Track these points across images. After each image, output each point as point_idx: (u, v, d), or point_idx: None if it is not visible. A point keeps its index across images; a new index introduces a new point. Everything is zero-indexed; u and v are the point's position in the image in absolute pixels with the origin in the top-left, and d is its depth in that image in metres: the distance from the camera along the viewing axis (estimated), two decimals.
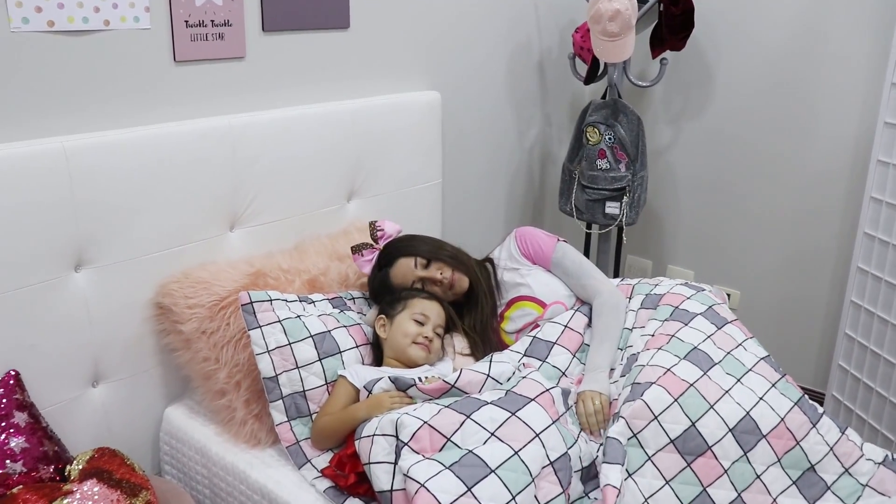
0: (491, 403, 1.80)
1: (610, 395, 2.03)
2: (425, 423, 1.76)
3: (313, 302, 2.29)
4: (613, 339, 2.17)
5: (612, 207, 3.18)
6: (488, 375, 1.96)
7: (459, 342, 2.31)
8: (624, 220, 3.16)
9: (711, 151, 3.42)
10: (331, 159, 2.64)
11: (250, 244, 2.47)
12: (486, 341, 2.31)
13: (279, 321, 2.11)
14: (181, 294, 2.21)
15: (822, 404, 3.12)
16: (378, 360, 2.21)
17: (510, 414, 1.78)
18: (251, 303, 2.11)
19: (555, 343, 2.19)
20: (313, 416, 2.09)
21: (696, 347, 1.98)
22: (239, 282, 2.26)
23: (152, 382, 2.34)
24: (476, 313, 2.35)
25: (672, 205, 3.58)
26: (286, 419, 2.08)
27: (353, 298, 2.42)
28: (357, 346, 2.20)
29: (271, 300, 2.15)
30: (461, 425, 1.76)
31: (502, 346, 2.32)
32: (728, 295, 3.46)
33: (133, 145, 2.11)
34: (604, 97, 3.26)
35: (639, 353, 2.04)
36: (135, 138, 2.12)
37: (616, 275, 3.50)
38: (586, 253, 3.53)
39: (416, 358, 2.12)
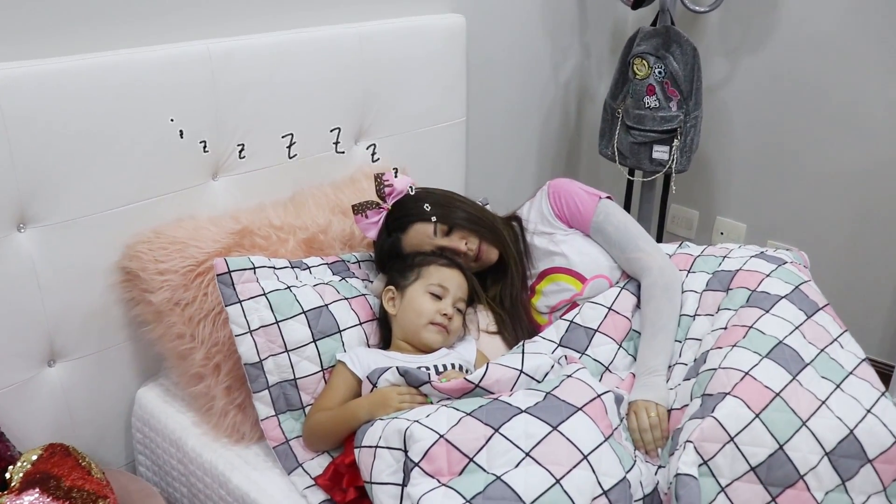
0: (526, 412, 1.37)
1: (668, 404, 1.60)
2: (442, 437, 1.35)
3: (308, 268, 1.86)
4: (669, 330, 1.71)
5: (660, 152, 2.70)
6: (521, 371, 1.53)
7: (484, 318, 1.88)
8: (673, 166, 2.68)
9: (772, 90, 2.89)
10: (334, 93, 2.17)
11: (237, 195, 2.03)
12: (515, 318, 1.87)
13: (264, 294, 1.69)
14: (150, 257, 1.79)
15: (890, 378, 2.69)
16: (386, 341, 1.79)
17: (551, 428, 1.35)
18: (229, 272, 1.68)
19: (596, 330, 1.75)
20: (306, 410, 1.69)
21: (781, 342, 1.53)
22: (221, 242, 1.83)
23: (122, 360, 1.93)
24: (505, 285, 1.91)
25: (725, 149, 3.08)
26: (273, 413, 1.67)
27: (359, 262, 1.98)
28: (361, 324, 1.77)
29: (254, 268, 1.72)
30: (487, 441, 1.34)
31: (534, 326, 1.88)
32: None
33: (85, 76, 1.66)
34: (654, 24, 2.74)
35: (708, 351, 1.60)
36: (87, 67, 1.66)
37: (660, 228, 3.03)
38: (627, 204, 3.06)
39: (431, 342, 1.70)
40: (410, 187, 1.93)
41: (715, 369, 1.50)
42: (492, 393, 1.50)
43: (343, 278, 1.86)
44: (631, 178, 2.93)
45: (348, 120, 2.24)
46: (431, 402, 1.53)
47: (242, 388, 1.74)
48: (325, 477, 1.57)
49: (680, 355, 1.68)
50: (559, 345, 1.74)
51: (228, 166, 1.99)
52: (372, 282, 1.95)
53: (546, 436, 1.33)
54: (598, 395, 1.43)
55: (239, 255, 1.83)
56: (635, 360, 1.73)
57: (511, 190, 2.92)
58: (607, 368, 1.70)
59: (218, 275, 1.67)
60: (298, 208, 2.04)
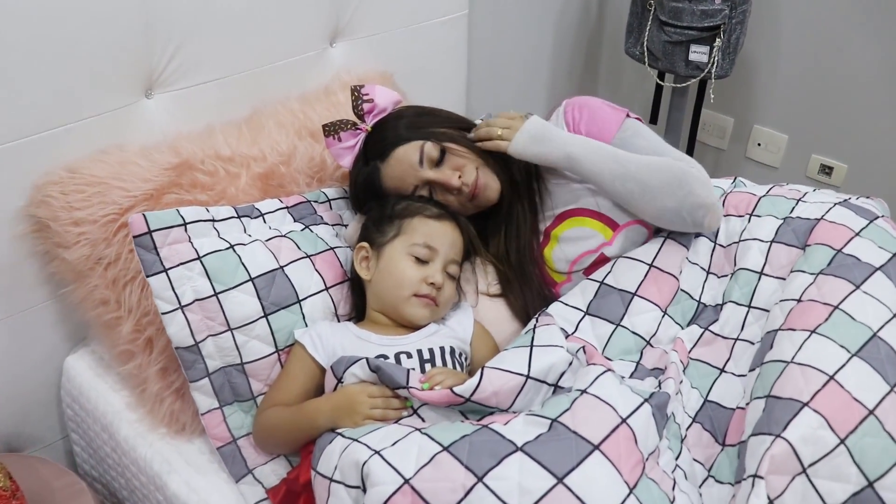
0: (522, 451, 0.96)
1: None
2: (407, 482, 0.95)
3: (262, 215, 1.42)
4: (621, 160, 1.34)
5: (698, 53, 2.19)
6: (528, 377, 1.12)
7: (484, 277, 1.46)
8: (713, 70, 2.18)
9: None
10: None
11: (178, 117, 1.56)
12: (523, 276, 1.44)
13: (198, 258, 1.26)
14: (63, 203, 1.36)
15: None
16: (360, 309, 1.38)
17: (555, 480, 0.93)
18: (149, 232, 1.24)
19: (634, 294, 1.32)
20: (258, 401, 1.30)
21: (876, 335, 1.10)
22: (152, 181, 1.39)
23: (44, 322, 1.53)
24: (510, 232, 1.47)
25: (770, 50, 2.55)
26: (216, 405, 1.28)
27: (329, 201, 1.55)
28: (327, 289, 1.35)
29: (185, 223, 1.28)
30: (466, 495, 0.93)
31: (548, 285, 1.46)
32: (831, 168, 2.53)
33: None
34: None
35: (776, 330, 1.17)
36: None
37: (692, 140, 2.55)
38: (654, 113, 2.56)
39: (415, 318, 1.28)
40: (396, 104, 1.46)
41: (786, 363, 1.09)
42: (488, 406, 1.10)
43: (307, 226, 1.42)
44: (661, 82, 2.43)
45: (321, 16, 1.75)
46: (412, 407, 1.14)
47: (180, 370, 1.34)
48: (277, 495, 1.20)
49: (742, 328, 1.26)
50: (586, 313, 1.31)
51: (165, 80, 1.53)
52: (346, 226, 1.51)
53: (547, 492, 0.92)
54: (624, 420, 1.02)
55: (177, 197, 1.40)
56: (683, 329, 1.31)
57: (519, 105, 2.42)
58: (648, 343, 1.28)
59: (135, 236, 1.23)
60: (255, 132, 1.59)
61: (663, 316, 1.29)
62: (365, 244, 1.33)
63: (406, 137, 1.39)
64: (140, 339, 1.35)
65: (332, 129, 1.43)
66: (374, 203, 1.39)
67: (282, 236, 1.37)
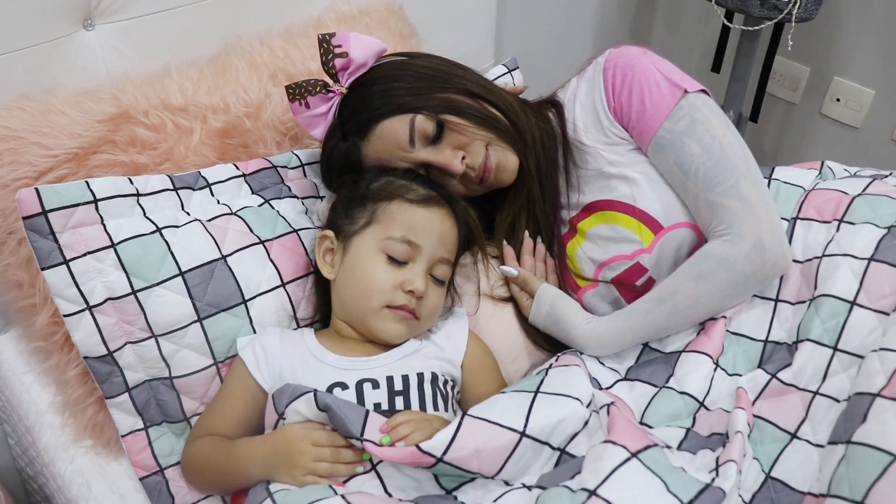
0: None
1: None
2: None
3: (208, 185, 1.09)
4: (657, 325, 1.00)
5: None
6: (523, 434, 0.80)
7: (487, 276, 1.12)
8: (794, 11, 1.76)
9: None
10: None
11: (126, 55, 1.23)
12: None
13: (112, 245, 0.95)
14: None
15: None
16: (326, 314, 1.07)
17: None
18: (44, 212, 0.93)
19: (683, 351, 0.99)
20: (192, 422, 1.02)
21: None
22: (81, 137, 1.08)
23: None
24: (522, 218, 1.14)
25: None
26: (141, 425, 1.00)
27: (303, 165, 1.22)
28: (284, 285, 1.04)
29: (95, 200, 0.96)
30: None
31: (570, 292, 1.13)
32: None
33: None
34: None
35: (875, 395, 0.80)
36: None
37: (760, 92, 2.13)
38: (718, 61, 2.14)
39: (387, 335, 0.96)
40: (379, 55, 1.11)
41: (892, 457, 0.74)
42: (466, 471, 0.79)
43: (266, 200, 1.11)
44: (729, 23, 2.00)
45: None
46: (369, 460, 0.83)
47: None
48: None
49: (824, 378, 0.90)
50: (625, 378, 0.99)
51: (109, 6, 1.20)
52: (322, 199, 1.19)
53: None
54: None
55: (109, 158, 1.09)
56: (741, 376, 0.97)
57: (560, 52, 2.02)
58: (702, 404, 0.94)
59: (25, 217, 0.93)
60: (219, 75, 1.25)
61: (715, 369, 0.96)
62: (329, 233, 1.01)
63: (392, 108, 1.04)
64: (58, 335, 1.06)
65: (297, 93, 1.09)
66: (349, 177, 1.06)
67: (230, 214, 1.06)
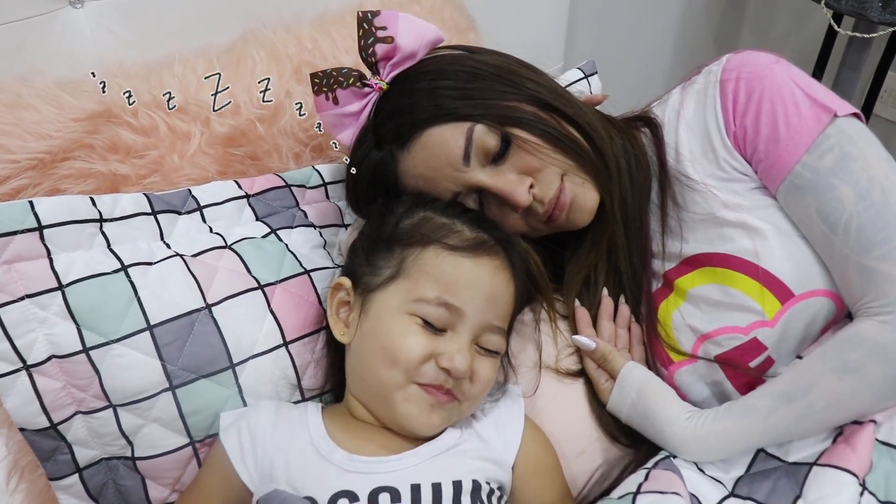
0: None
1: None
2: None
3: (199, 209, 0.84)
4: (781, 429, 0.72)
5: None
6: None
7: (553, 342, 0.85)
8: None
9: None
10: None
11: (123, 38, 0.99)
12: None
13: (60, 287, 0.71)
14: None
15: None
16: (339, 383, 0.81)
17: None
18: None
19: (814, 464, 0.71)
20: None
21: None
22: (52, 138, 0.84)
23: None
24: (601, 270, 0.87)
25: None
26: None
27: (325, 184, 0.96)
28: (286, 344, 0.78)
29: (41, 227, 0.72)
30: None
31: (658, 367, 0.85)
32: None
33: None
34: None
35: None
36: None
37: (867, 108, 1.81)
38: (820, 68, 1.83)
39: (413, 425, 0.70)
40: (433, 45, 0.85)
41: None
42: None
43: (274, 230, 0.85)
44: (837, 27, 1.68)
45: None
46: None
47: None
48: None
49: None
50: (732, 493, 0.72)
51: None
52: (346, 227, 0.94)
53: None
54: None
55: (82, 167, 0.86)
56: None
57: (629, 53, 1.72)
58: None
59: None
60: (233, 67, 1.01)
61: (863, 492, 0.68)
62: (345, 281, 0.75)
63: (444, 112, 0.78)
64: None
65: (324, 83, 0.84)
66: (378, 206, 0.80)
67: (224, 248, 0.81)
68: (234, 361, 0.75)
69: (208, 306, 0.75)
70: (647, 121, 0.90)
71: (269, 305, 0.78)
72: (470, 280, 0.69)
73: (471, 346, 0.70)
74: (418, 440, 0.71)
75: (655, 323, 0.85)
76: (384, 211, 0.77)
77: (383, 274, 0.71)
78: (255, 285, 0.79)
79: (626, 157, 0.87)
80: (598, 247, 0.86)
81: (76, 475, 0.74)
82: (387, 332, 0.69)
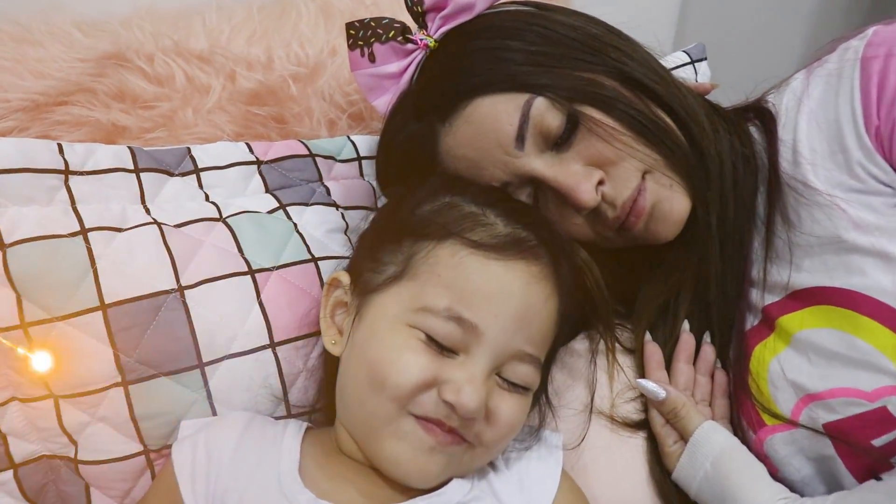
0: None
1: None
2: None
3: (196, 170, 0.69)
4: None
5: None
6: None
7: (608, 381, 0.66)
8: None
9: None
10: None
11: None
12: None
13: (1, 248, 0.59)
14: None
15: None
16: (332, 403, 0.64)
17: None
18: None
19: None
20: None
21: None
22: (53, 79, 0.74)
23: None
24: (684, 298, 0.67)
25: None
26: None
27: (360, 158, 0.80)
28: (273, 346, 0.62)
29: None
30: None
31: (745, 429, 0.64)
32: None
33: None
34: None
35: None
36: None
37: None
38: None
39: (400, 469, 0.52)
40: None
41: None
42: None
43: (284, 206, 0.70)
44: None
45: None
46: None
47: None
48: None
49: None
50: None
51: None
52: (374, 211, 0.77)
53: None
54: None
55: (79, 113, 0.74)
56: None
57: (753, 39, 1.47)
58: None
59: None
60: (274, 20, 0.87)
61: None
62: (343, 276, 0.59)
63: (498, 79, 0.62)
64: None
65: (360, 36, 0.68)
66: (400, 189, 0.64)
67: (217, 220, 0.66)
68: (205, 360, 0.60)
69: (181, 289, 0.60)
70: (759, 111, 0.69)
71: (258, 295, 0.63)
72: (494, 290, 0.51)
73: (489, 377, 0.52)
74: (412, 491, 0.54)
75: (746, 372, 0.64)
76: (405, 192, 0.60)
77: (386, 271, 0.55)
78: (245, 269, 0.63)
79: (732, 156, 0.67)
80: (683, 268, 0.67)
81: (10, 472, 0.61)
82: (378, 346, 0.52)
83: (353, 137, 0.80)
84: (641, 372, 0.66)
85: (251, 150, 0.73)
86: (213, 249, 0.63)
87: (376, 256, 0.56)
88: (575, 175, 0.61)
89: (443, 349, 0.51)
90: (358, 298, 0.56)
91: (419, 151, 0.65)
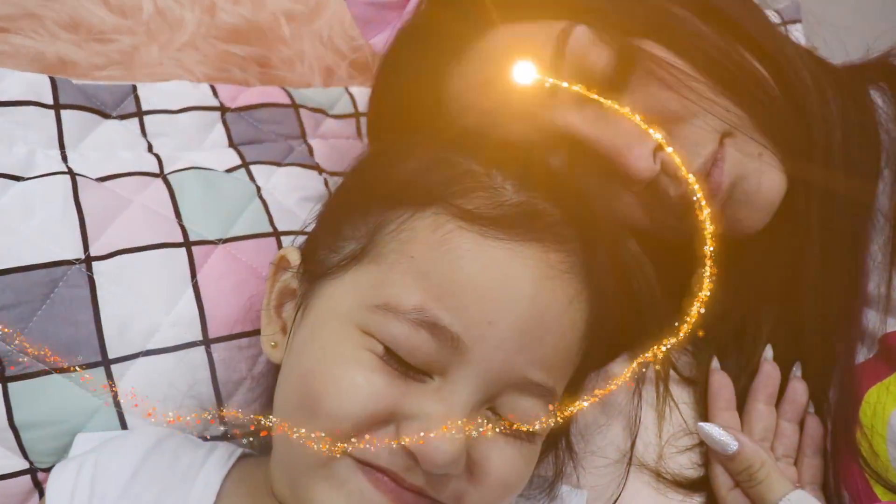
0: None
1: None
2: None
3: (139, 113, 0.54)
4: None
5: None
6: None
7: (656, 419, 0.48)
8: None
9: None
10: None
11: None
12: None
13: None
14: None
15: None
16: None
17: None
18: None
19: None
20: None
21: None
22: None
23: None
24: (769, 318, 0.48)
25: None
26: None
27: (357, 114, 0.64)
28: (207, 343, 0.46)
29: None
30: None
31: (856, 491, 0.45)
32: None
33: None
34: None
35: None
36: None
37: None
38: None
39: None
40: None
41: None
42: None
43: (247, 164, 0.54)
44: None
45: None
46: None
47: None
48: None
49: None
50: None
51: None
52: None
53: None
54: None
55: (21, 42, 0.59)
56: None
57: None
58: None
59: None
60: None
61: None
62: (292, 254, 0.42)
63: (527, 2, 0.45)
64: None
65: None
66: (384, 145, 0.47)
67: (155, 176, 0.50)
68: (113, 355, 0.45)
69: (88, 259, 0.45)
70: (884, 71, 0.50)
71: (192, 274, 0.47)
72: (491, 285, 0.34)
73: (475, 413, 0.35)
74: None
75: (855, 423, 0.46)
76: (388, 147, 0.44)
77: (344, 250, 0.38)
78: (179, 239, 0.48)
79: (844, 126, 0.48)
80: (769, 273, 0.48)
81: None
82: (315, 355, 0.36)
83: (351, 89, 0.64)
84: (704, 412, 0.47)
85: (215, 94, 0.57)
86: (141, 212, 0.48)
87: (336, 229, 0.40)
88: (626, 135, 0.43)
89: (408, 368, 0.34)
90: (305, 285, 0.40)
91: (420, 99, 0.48)
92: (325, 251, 0.39)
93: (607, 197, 0.47)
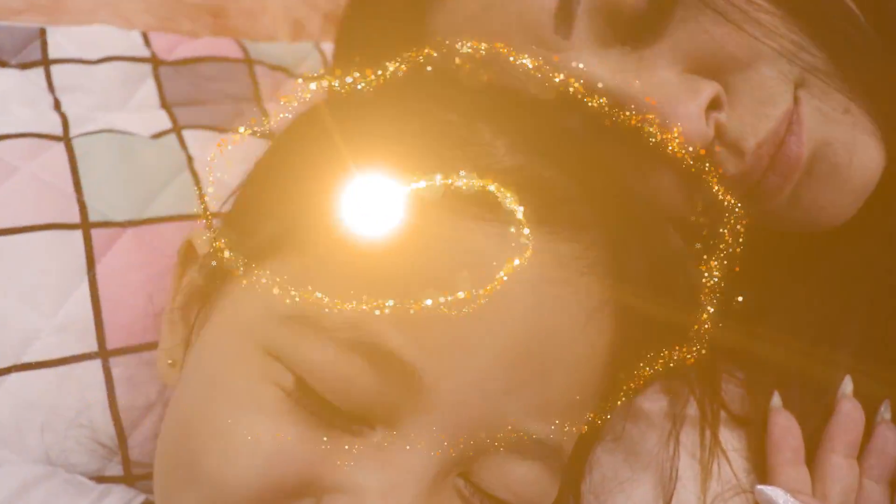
0: None
1: None
2: None
3: (45, 62, 0.42)
4: None
5: None
6: None
7: (698, 472, 0.36)
8: None
9: None
10: None
11: None
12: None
13: None
14: None
15: None
16: None
17: None
18: None
19: None
20: None
21: None
22: None
23: None
24: (857, 327, 0.36)
25: None
26: None
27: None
28: (103, 355, 0.35)
29: None
30: None
31: None
32: None
33: None
34: None
35: None
36: None
37: None
38: None
39: None
40: None
41: None
42: None
43: (180, 128, 0.42)
44: None
45: None
46: None
47: None
48: None
49: None
50: None
51: None
52: None
53: None
54: None
55: None
56: None
57: None
58: None
59: None
60: None
61: None
62: (199, 242, 0.30)
63: None
64: None
65: None
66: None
67: (57, 140, 0.39)
68: None
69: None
70: None
71: (90, 265, 0.36)
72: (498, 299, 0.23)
73: (441, 485, 0.23)
74: None
75: None
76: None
77: (259, 233, 0.26)
78: (75, 220, 0.36)
79: None
80: (851, 281, 0.36)
81: None
82: (197, 391, 0.24)
83: (323, 46, 0.52)
84: (762, 463, 0.35)
85: (147, 43, 0.46)
86: (30, 183, 0.37)
87: (255, 206, 0.28)
88: (667, 87, 0.31)
89: (333, 414, 0.22)
90: (214, 283, 0.28)
91: (393, 37, 0.36)
92: (237, 234, 0.27)
93: (638, 178, 0.35)
